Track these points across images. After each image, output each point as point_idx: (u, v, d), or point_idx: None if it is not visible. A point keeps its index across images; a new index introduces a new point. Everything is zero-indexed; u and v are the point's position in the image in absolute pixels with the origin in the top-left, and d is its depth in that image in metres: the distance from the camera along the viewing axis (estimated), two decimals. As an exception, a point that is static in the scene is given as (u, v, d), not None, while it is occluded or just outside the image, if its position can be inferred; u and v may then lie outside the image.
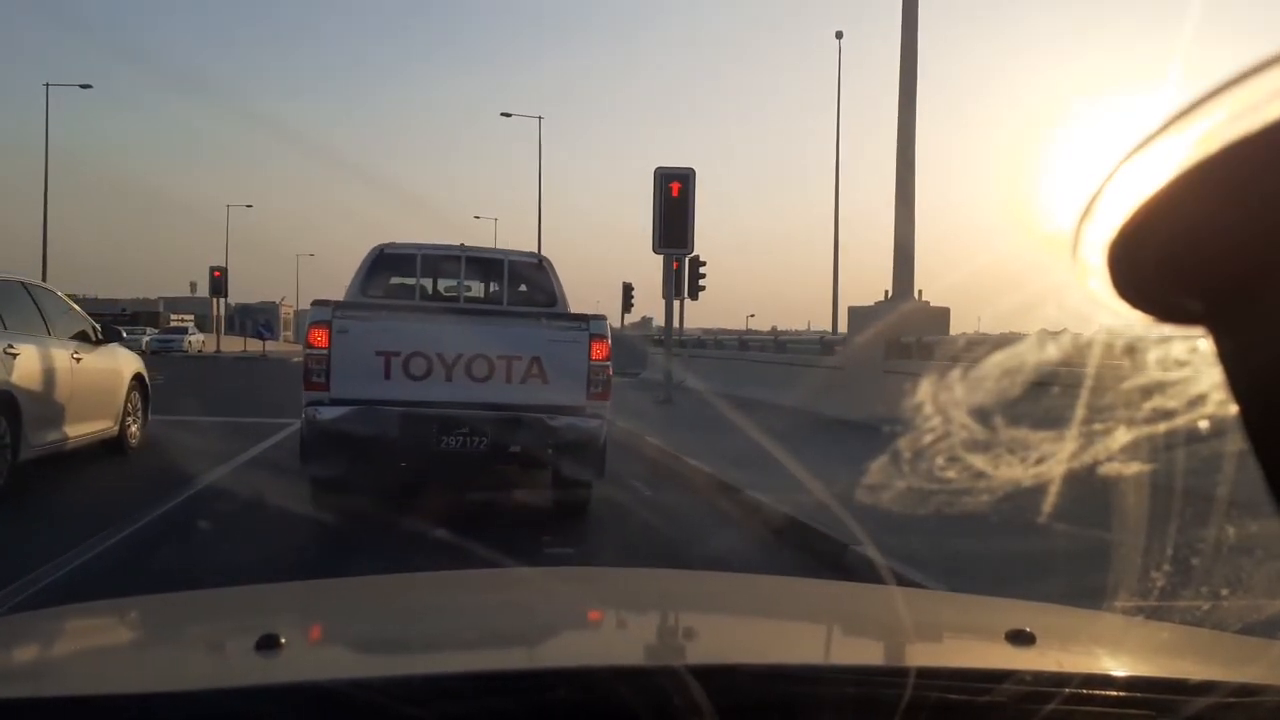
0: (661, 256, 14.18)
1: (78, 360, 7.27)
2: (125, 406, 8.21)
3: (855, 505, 4.63)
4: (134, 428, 8.49)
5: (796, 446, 7.66)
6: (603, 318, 6.00)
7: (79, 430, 7.23)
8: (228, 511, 5.85)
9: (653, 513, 6.42)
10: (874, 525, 4.60)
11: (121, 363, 8.39)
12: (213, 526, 5.55)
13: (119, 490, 6.87)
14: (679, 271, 14.44)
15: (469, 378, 5.63)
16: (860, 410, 10.53)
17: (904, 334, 11.33)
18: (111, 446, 8.01)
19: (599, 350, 5.80)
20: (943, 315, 11.97)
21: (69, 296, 8.26)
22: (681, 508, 6.68)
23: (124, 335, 8.98)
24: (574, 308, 7.18)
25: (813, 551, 5.19)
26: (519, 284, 7.69)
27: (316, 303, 5.76)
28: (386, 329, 5.66)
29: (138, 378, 8.60)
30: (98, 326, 8.10)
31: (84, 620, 1.50)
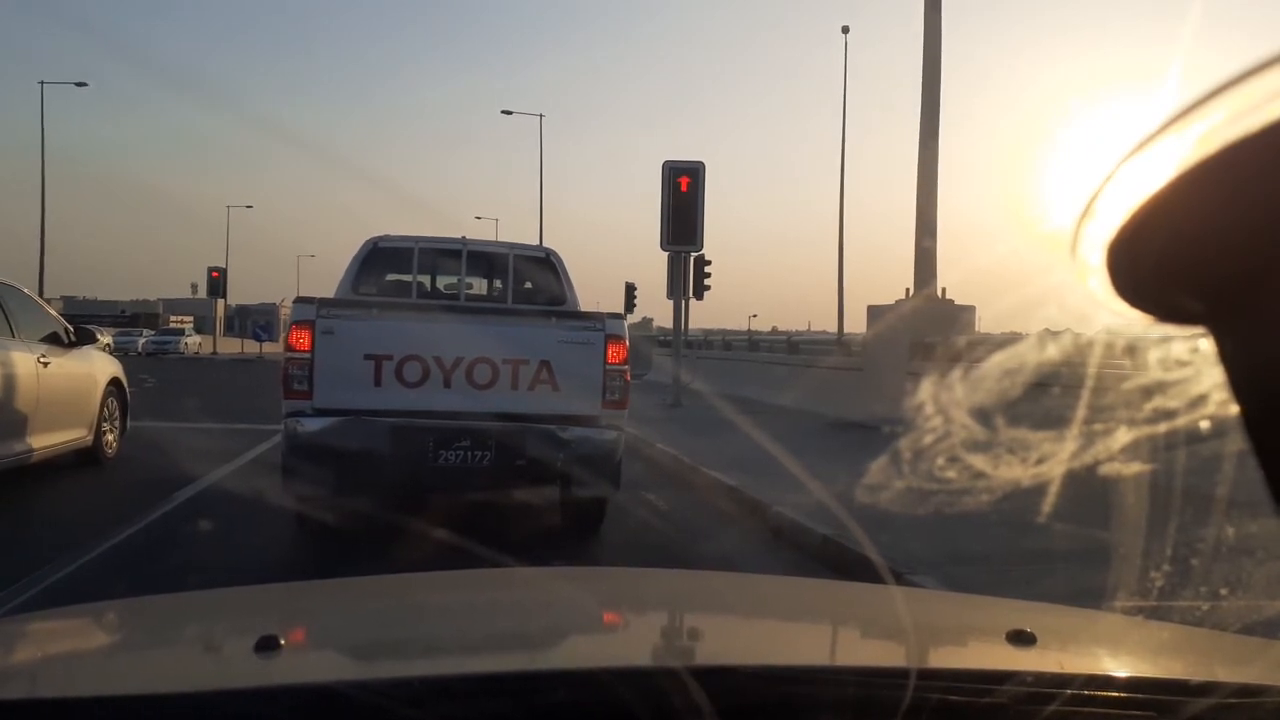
0: (666, 255, 13.75)
1: (45, 364, 6.76)
2: (100, 414, 7.66)
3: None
4: (110, 436, 7.92)
5: (825, 455, 7.36)
6: (620, 316, 5.41)
7: (47, 440, 6.73)
8: (205, 534, 5.41)
9: (668, 523, 5.93)
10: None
11: (96, 367, 7.83)
12: (185, 557, 4.92)
13: (87, 508, 6.34)
14: (684, 270, 14.16)
15: (470, 384, 5.04)
16: (889, 414, 10.34)
17: (927, 333, 10.84)
18: (85, 457, 7.49)
19: (616, 353, 5.19)
20: (968, 313, 11.53)
21: (68, 298, 8.04)
22: (704, 526, 6.09)
23: (99, 337, 8.43)
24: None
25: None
26: (525, 280, 7.08)
27: (299, 300, 5.15)
28: (377, 330, 5.07)
29: (114, 383, 8.05)
30: (70, 328, 7.58)
31: (84, 621, 1.50)
